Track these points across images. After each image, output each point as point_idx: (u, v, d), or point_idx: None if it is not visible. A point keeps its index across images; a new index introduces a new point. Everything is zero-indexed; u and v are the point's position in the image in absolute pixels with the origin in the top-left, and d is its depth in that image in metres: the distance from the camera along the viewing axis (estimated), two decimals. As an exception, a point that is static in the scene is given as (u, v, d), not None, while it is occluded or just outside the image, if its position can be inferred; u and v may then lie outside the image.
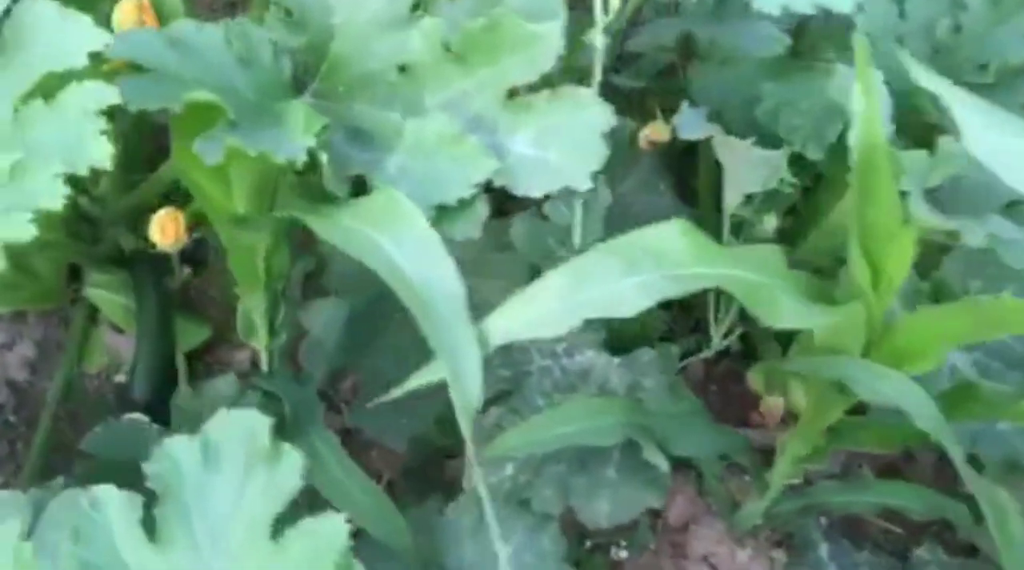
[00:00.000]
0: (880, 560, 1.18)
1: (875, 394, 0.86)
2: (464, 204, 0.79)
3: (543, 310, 0.71)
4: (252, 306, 1.13)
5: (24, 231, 0.67)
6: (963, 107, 0.73)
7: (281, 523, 0.60)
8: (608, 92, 0.94)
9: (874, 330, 0.88)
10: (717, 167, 1.31)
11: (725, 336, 1.41)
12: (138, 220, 1.36)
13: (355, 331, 1.17)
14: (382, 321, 1.18)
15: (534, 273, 1.19)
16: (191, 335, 1.39)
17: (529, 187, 0.81)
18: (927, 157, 0.84)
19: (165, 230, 1.21)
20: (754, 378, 1.40)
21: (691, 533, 1.28)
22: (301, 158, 0.78)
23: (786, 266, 0.84)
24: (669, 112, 1.24)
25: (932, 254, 1.11)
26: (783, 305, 0.77)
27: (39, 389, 1.36)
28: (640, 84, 1.43)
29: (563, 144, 0.80)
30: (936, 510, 1.16)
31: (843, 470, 1.33)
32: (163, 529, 0.60)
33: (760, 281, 0.76)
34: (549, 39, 0.81)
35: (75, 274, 1.39)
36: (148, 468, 0.61)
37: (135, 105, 0.76)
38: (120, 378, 1.41)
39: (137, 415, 1.29)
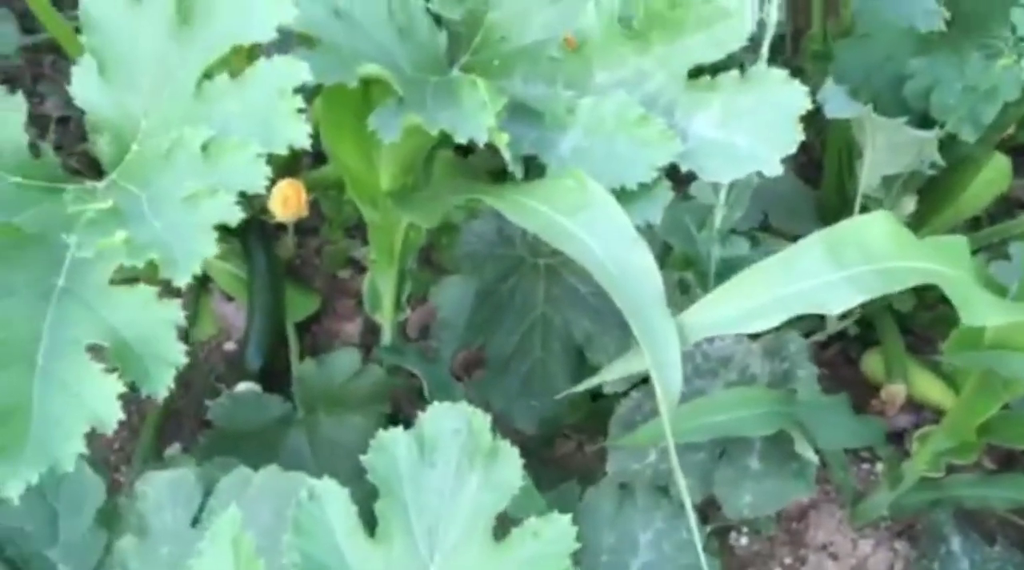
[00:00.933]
0: (1012, 556, 1.15)
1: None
2: (645, 188, 0.76)
3: (752, 304, 0.68)
4: (382, 279, 1.12)
5: (232, 213, 0.65)
6: None
7: (503, 522, 0.58)
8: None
9: (1056, 326, 0.85)
10: (850, 146, 1.28)
11: (841, 319, 1.38)
12: (248, 187, 1.34)
13: (482, 310, 1.16)
14: (509, 301, 1.16)
15: (667, 252, 1.17)
16: (300, 305, 1.38)
17: (716, 172, 0.78)
18: None
19: (287, 201, 1.19)
20: (871, 363, 1.37)
21: (810, 521, 1.26)
22: (483, 138, 0.75)
23: (971, 258, 0.80)
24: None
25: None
26: (980, 301, 0.74)
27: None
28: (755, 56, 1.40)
29: (753, 127, 0.77)
30: (1078, 506, 1.13)
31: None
32: (381, 524, 0.59)
33: (958, 276, 0.73)
34: (738, 16, 0.77)
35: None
36: (366, 461, 0.59)
37: (315, 79, 0.73)
38: (230, 346, 1.40)
39: (252, 384, 1.29)
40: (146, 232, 0.64)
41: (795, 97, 0.77)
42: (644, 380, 1.04)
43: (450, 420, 0.60)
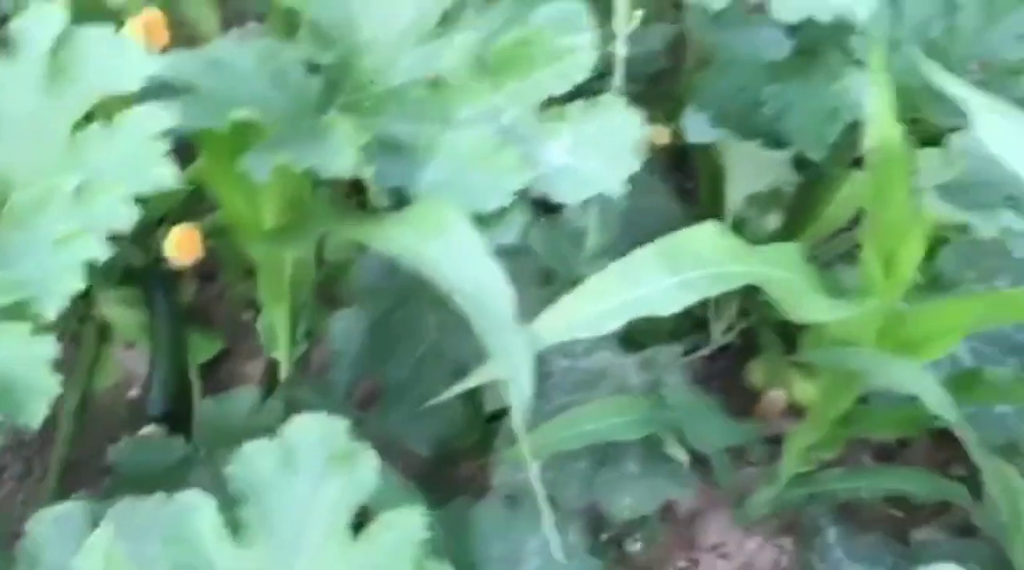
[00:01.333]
0: (887, 543, 1.23)
1: (890, 383, 0.91)
2: (502, 212, 0.83)
3: (594, 310, 0.74)
4: (275, 318, 1.16)
5: (100, 251, 0.69)
6: (975, 102, 0.77)
7: (360, 518, 0.63)
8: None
9: (886, 321, 0.93)
10: (717, 169, 1.37)
11: (725, 332, 1.46)
12: (146, 234, 1.37)
13: (375, 340, 1.20)
14: (401, 330, 1.21)
15: (548, 276, 1.23)
16: (203, 348, 1.41)
17: (566, 195, 0.85)
18: (939, 154, 0.89)
19: (182, 246, 1.22)
20: (754, 372, 1.45)
21: (700, 524, 1.33)
22: (348, 173, 0.81)
23: (804, 262, 0.89)
24: (663, 116, 1.29)
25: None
26: (808, 300, 0.81)
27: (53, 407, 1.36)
28: (637, 89, 1.48)
29: (597, 153, 0.84)
30: (937, 492, 1.21)
31: (842, 458, 1.38)
32: (247, 530, 0.63)
33: (786, 278, 0.80)
34: (581, 52, 0.84)
35: (84, 291, 1.40)
36: (229, 471, 0.64)
37: (185, 125, 0.78)
38: (133, 393, 1.42)
39: (155, 428, 1.31)
40: (19, 272, 0.68)
41: (633, 124, 0.84)
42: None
43: (313, 429, 0.65)
